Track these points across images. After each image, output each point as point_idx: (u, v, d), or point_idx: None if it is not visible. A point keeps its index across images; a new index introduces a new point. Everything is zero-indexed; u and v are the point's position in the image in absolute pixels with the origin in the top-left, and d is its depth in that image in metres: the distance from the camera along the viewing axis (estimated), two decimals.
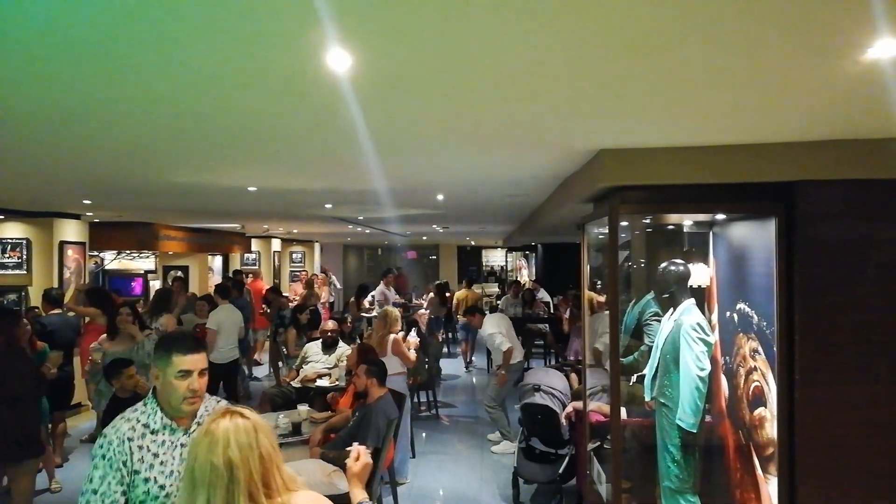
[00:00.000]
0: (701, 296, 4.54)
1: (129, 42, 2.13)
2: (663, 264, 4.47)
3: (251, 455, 1.74)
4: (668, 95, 2.74)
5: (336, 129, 3.34)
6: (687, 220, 4.77)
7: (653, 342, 4.57)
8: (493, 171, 5.11)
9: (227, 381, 7.91)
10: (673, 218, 4.77)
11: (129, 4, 1.84)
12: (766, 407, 3.90)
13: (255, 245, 16.59)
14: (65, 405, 6.75)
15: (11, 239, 8.45)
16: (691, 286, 4.45)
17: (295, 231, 15.65)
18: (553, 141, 3.80)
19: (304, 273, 17.50)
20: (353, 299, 12.14)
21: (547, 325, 11.54)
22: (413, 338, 7.41)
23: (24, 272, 8.46)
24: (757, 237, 4.01)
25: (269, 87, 2.63)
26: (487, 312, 8.95)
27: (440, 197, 7.09)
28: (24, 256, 8.46)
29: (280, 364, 9.89)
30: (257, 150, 4.11)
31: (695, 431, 4.10)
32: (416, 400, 8.35)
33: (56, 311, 7.19)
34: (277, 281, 17.41)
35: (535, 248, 19.87)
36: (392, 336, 6.53)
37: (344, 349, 7.29)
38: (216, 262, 15.74)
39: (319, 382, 6.97)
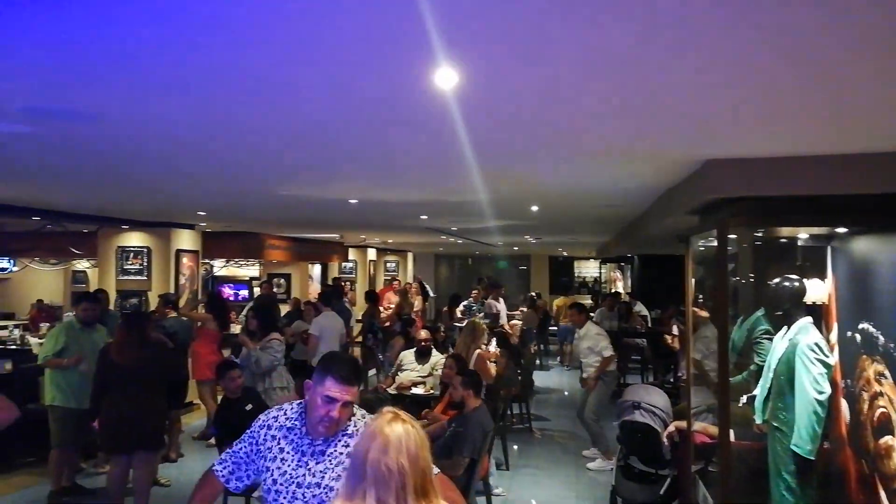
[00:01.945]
0: (818, 314, 4.26)
1: (255, 67, 2.27)
2: (776, 280, 4.23)
3: (417, 464, 1.79)
4: (783, 101, 2.61)
5: (440, 144, 3.41)
6: (802, 234, 4.50)
7: (763, 361, 4.33)
8: (591, 182, 5.03)
9: None
10: (785, 231, 4.52)
11: (256, 31, 1.95)
12: (893, 435, 3.61)
13: (352, 254, 17.09)
14: (179, 404, 7.18)
15: (134, 247, 9.13)
16: (807, 303, 4.19)
17: (390, 241, 16.01)
18: (656, 151, 3.70)
19: (395, 283, 17.83)
20: (445, 308, 12.25)
21: (644, 339, 11.18)
22: (493, 348, 7.39)
23: (145, 278, 9.10)
24: (884, 252, 3.72)
25: (380, 106, 2.72)
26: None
27: (534, 208, 7.05)
28: (145, 263, 9.11)
29: (376, 370, 10.12)
30: (363, 165, 4.25)
31: (812, 458, 3.85)
32: (509, 412, 8.29)
33: (173, 314, 7.70)
34: (373, 289, 17.84)
35: (631, 260, 19.32)
36: (477, 351, 6.53)
37: (438, 358, 7.36)
38: (315, 270, 16.33)
39: (414, 391, 7.06)
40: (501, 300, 11.95)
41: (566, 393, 11.16)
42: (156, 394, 5.17)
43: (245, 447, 2.44)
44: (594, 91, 2.52)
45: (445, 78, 2.28)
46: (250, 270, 15.37)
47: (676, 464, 5.19)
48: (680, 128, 3.12)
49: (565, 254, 22.43)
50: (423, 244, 17.38)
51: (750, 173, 3.68)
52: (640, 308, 12.52)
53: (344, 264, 17.01)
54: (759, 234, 4.62)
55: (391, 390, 7.26)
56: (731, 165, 3.71)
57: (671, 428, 5.21)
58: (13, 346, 9.47)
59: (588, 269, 24.32)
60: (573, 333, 13.87)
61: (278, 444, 2.37)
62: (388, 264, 20.33)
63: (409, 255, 21.23)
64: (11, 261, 13.41)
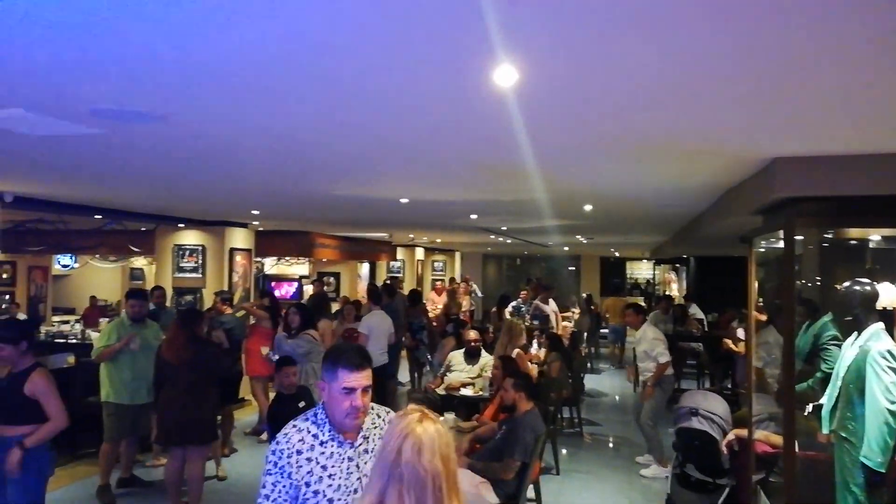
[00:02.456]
0: (890, 319, 4.04)
1: (321, 71, 2.27)
2: (846, 283, 4.03)
3: (449, 465, 1.74)
4: (855, 97, 2.47)
5: (497, 143, 3.37)
6: (873, 235, 4.29)
7: (830, 369, 4.14)
8: (648, 181, 4.91)
9: (377, 385, 8.19)
10: (854, 232, 4.31)
11: (326, 37, 1.95)
12: None
13: (400, 253, 17.19)
14: (232, 399, 7.32)
15: (189, 245, 9.37)
16: (879, 308, 3.98)
17: (438, 240, 16.03)
18: (718, 149, 3.57)
19: (439, 283, 17.82)
20: (494, 309, 12.18)
21: (700, 343, 10.87)
22: (535, 349, 7.28)
23: (200, 276, 9.33)
24: None
25: (439, 106, 2.71)
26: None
27: (588, 207, 6.92)
28: (200, 261, 9.33)
29: (423, 371, 10.13)
30: (418, 164, 4.24)
31: (882, 471, 3.65)
32: (559, 416, 8.18)
33: (229, 311, 7.86)
34: (420, 288, 17.92)
35: (686, 261, 18.85)
36: (516, 350, 6.45)
37: (487, 359, 7.30)
38: (364, 268, 16.48)
39: (463, 391, 7.02)
40: (552, 301, 11.79)
41: (617, 397, 10.95)
42: (206, 390, 5.26)
43: (284, 491, 2.23)
44: (659, 88, 2.44)
45: (505, 75, 2.23)
46: (300, 268, 15.61)
47: (736, 473, 5.02)
48: (746, 125, 3.00)
49: (617, 254, 22.05)
50: (471, 243, 17.35)
51: (819, 171, 3.53)
52: (695, 311, 12.18)
53: (392, 263, 17.12)
54: (828, 236, 4.41)
55: (440, 391, 7.24)
56: (799, 163, 3.55)
57: (731, 436, 5.04)
58: (74, 341, 9.85)
59: (640, 271, 23.86)
60: (624, 335, 13.59)
61: (318, 463, 2.25)
62: (436, 264, 20.36)
63: (457, 255, 21.22)
64: (74, 258, 13.94)
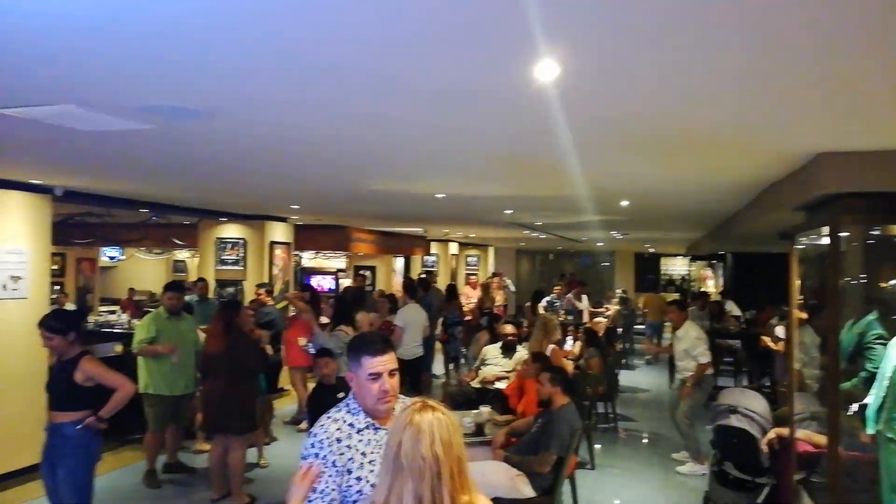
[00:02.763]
0: None
1: (359, 66, 2.32)
2: (893, 281, 3.95)
3: (451, 452, 1.75)
4: None
5: (536, 138, 3.38)
6: None
7: (876, 368, 4.05)
8: (687, 177, 4.86)
9: (412, 378, 8.25)
10: None
11: (363, 31, 2.00)
12: None
13: (434, 248, 17.26)
14: (272, 389, 7.47)
15: (231, 238, 9.57)
16: None
17: (472, 235, 16.07)
18: (760, 145, 3.53)
19: (473, 277, 17.84)
20: (528, 304, 12.16)
21: (738, 341, 10.70)
22: (570, 345, 7.25)
23: (241, 268, 9.53)
24: None
25: (480, 102, 2.74)
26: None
27: (624, 203, 6.88)
28: (241, 254, 9.53)
29: (455, 364, 10.18)
30: (455, 160, 4.27)
31: None
32: (593, 411, 8.15)
33: (270, 301, 8.02)
34: (454, 283, 17.97)
35: (723, 257, 18.53)
36: (550, 346, 6.43)
37: (522, 353, 7.32)
38: (398, 262, 16.61)
39: (498, 385, 7.05)
40: (584, 297, 11.73)
41: (652, 393, 10.86)
42: (244, 380, 5.38)
43: (332, 481, 2.23)
44: (702, 83, 2.44)
45: (546, 70, 2.25)
46: (337, 262, 15.81)
47: (776, 472, 4.95)
48: (790, 120, 2.96)
49: (652, 250, 21.77)
50: (504, 238, 17.33)
51: (865, 167, 3.46)
52: (732, 308, 12.00)
53: (426, 258, 17.21)
54: (875, 232, 4.32)
55: (475, 384, 7.29)
56: (844, 159, 3.49)
57: (771, 434, 4.97)
58: (120, 331, 10.17)
59: (675, 267, 23.53)
60: (661, 331, 13.42)
61: (357, 450, 2.27)
62: (470, 258, 20.39)
63: (490, 250, 21.22)
64: (120, 250, 14.34)
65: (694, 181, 5.06)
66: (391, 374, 2.29)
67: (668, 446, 7.41)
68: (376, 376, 2.26)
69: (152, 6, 1.84)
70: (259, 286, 8.47)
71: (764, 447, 4.98)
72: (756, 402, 5.33)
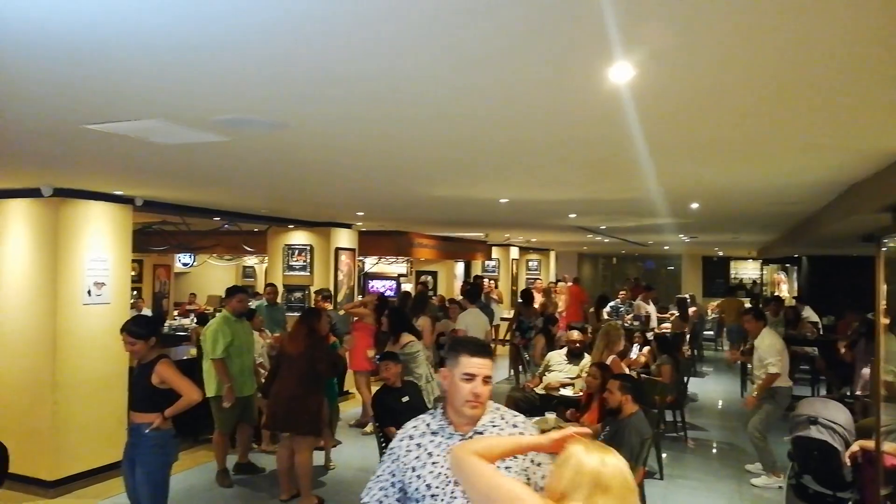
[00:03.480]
0: None
1: (425, 74, 2.34)
2: None
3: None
4: None
5: (606, 141, 3.34)
6: None
7: None
8: (762, 178, 4.69)
9: None
10: None
11: (430, 39, 2.01)
12: None
13: (495, 253, 17.23)
14: (340, 391, 7.62)
15: (298, 245, 9.81)
16: None
17: (533, 240, 15.95)
18: (844, 144, 3.38)
19: (538, 282, 17.70)
20: (592, 309, 11.98)
21: (815, 348, 10.23)
22: (636, 353, 7.06)
23: (308, 273, 9.76)
24: None
25: (551, 106, 2.72)
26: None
27: (694, 205, 6.69)
28: (308, 260, 9.75)
29: (520, 369, 10.11)
30: (522, 165, 4.26)
31: None
32: (662, 420, 7.94)
33: (330, 307, 8.17)
34: (515, 287, 17.87)
35: (797, 261, 17.77)
36: (612, 357, 6.29)
37: (588, 360, 7.20)
38: (458, 267, 16.65)
39: (563, 392, 6.97)
40: (652, 303, 11.47)
41: (722, 402, 10.50)
42: (312, 384, 5.51)
43: (388, 467, 2.35)
44: (783, 81, 2.35)
45: (621, 72, 2.22)
46: (398, 267, 15.99)
47: (860, 487, 4.70)
48: (878, 119, 2.82)
49: (721, 253, 21.09)
50: (566, 243, 17.14)
51: None
52: (809, 313, 11.48)
53: (487, 262, 17.19)
54: None
55: (539, 390, 7.22)
56: None
57: (855, 447, 4.72)
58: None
59: (746, 270, 22.70)
60: (743, 335, 13.00)
61: (425, 450, 2.31)
62: (531, 263, 20.25)
63: (552, 254, 21.00)
64: (193, 257, 14.91)
65: (769, 183, 4.88)
66: (485, 380, 2.28)
67: (741, 457, 7.15)
68: (470, 377, 2.26)
69: (229, 23, 1.90)
70: (317, 293, 8.64)
71: (847, 460, 4.74)
72: (838, 413, 5.08)
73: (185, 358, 7.47)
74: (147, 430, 4.11)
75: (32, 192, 5.77)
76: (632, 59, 2.12)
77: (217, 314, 6.82)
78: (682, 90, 2.50)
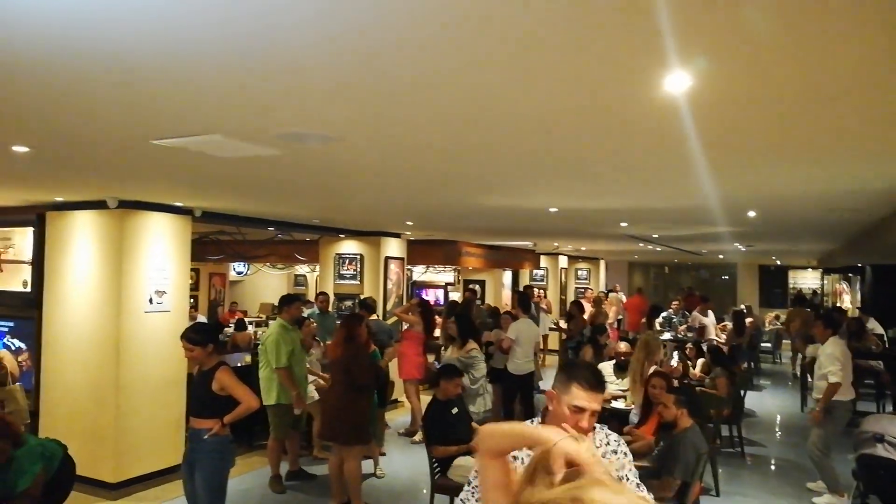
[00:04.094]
0: None
1: (482, 82, 2.36)
2: None
3: None
4: None
5: (661, 149, 3.30)
6: None
7: None
8: (824, 185, 4.54)
9: (523, 392, 8.20)
10: None
11: (486, 50, 2.03)
12: None
13: (543, 261, 17.10)
14: (384, 402, 7.65)
15: (349, 254, 9.96)
16: None
17: (583, 248, 15.78)
18: None
19: (589, 291, 17.49)
20: (644, 320, 11.77)
21: (881, 361, 9.80)
22: (675, 362, 6.87)
23: (358, 282, 9.89)
24: None
25: (605, 115, 2.71)
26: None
27: (752, 213, 6.52)
28: (358, 269, 9.88)
29: None
30: (573, 174, 4.23)
31: None
32: (718, 434, 7.72)
33: (373, 317, 8.22)
34: (563, 297, 17.69)
35: (860, 271, 17.08)
36: (652, 367, 6.14)
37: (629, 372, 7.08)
38: (506, 276, 16.58)
39: (614, 404, 6.86)
40: (711, 313, 11.19)
41: (781, 416, 10.15)
42: (358, 393, 5.44)
43: (473, 488, 2.27)
44: (853, 81, 2.27)
45: (677, 81, 2.19)
46: (446, 276, 16.03)
47: None
48: None
49: (779, 262, 20.43)
50: (616, 251, 16.88)
51: None
52: (874, 325, 11.02)
53: (535, 271, 17.07)
54: None
55: None
56: None
57: None
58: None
59: (805, 280, 21.92)
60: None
61: (522, 462, 2.18)
62: (580, 272, 20.00)
63: (601, 263, 20.70)
64: (247, 265, 15.29)
65: (832, 190, 4.72)
66: (594, 414, 2.17)
67: (801, 475, 6.89)
68: (579, 410, 2.14)
69: (294, 41, 1.96)
70: (359, 302, 8.72)
71: None
72: None
73: (238, 365, 7.65)
74: (206, 436, 4.22)
75: (99, 204, 6.03)
76: (689, 69, 2.09)
77: (271, 322, 6.97)
78: (741, 98, 2.45)
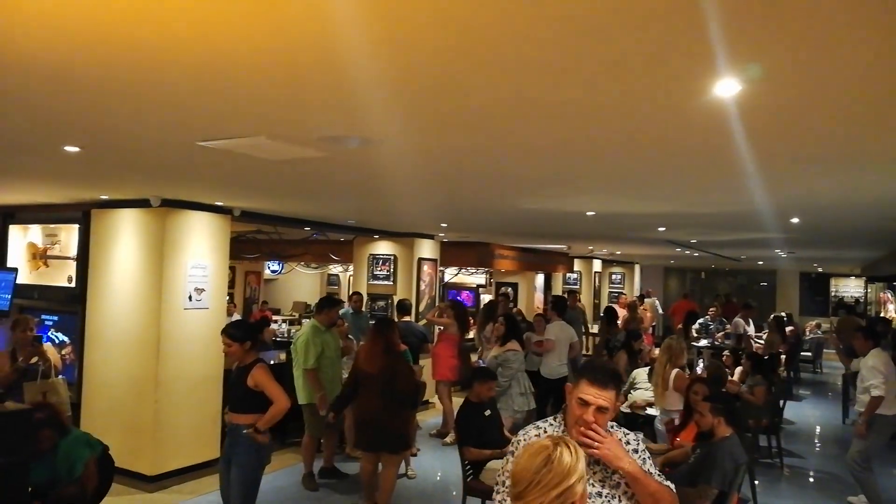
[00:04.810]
0: None
1: (530, 90, 2.35)
2: None
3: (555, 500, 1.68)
4: None
5: (707, 155, 3.25)
6: None
7: None
8: (871, 192, 4.42)
9: (556, 397, 8.13)
10: None
11: (541, 63, 2.02)
12: None
13: (577, 265, 16.96)
14: (415, 404, 7.65)
15: (382, 255, 10.01)
16: None
17: (618, 252, 15.61)
18: None
19: (623, 296, 17.29)
20: (680, 326, 11.58)
21: None
22: (701, 368, 6.73)
23: (391, 283, 9.93)
24: None
25: (652, 122, 2.68)
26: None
27: (795, 220, 6.37)
28: (391, 270, 9.93)
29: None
30: (615, 179, 4.19)
31: None
32: (756, 444, 7.56)
33: (406, 318, 8.24)
34: (597, 301, 17.54)
35: None
36: (675, 371, 6.02)
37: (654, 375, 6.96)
38: (538, 279, 16.48)
39: (650, 411, 6.77)
40: (751, 322, 10.96)
41: (821, 427, 9.90)
42: (399, 401, 5.30)
43: (507, 468, 2.34)
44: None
45: (726, 87, 2.15)
46: (477, 278, 16.01)
47: None
48: None
49: (820, 269, 19.93)
50: (652, 256, 16.68)
51: None
52: None
53: (568, 275, 16.94)
54: None
55: (623, 408, 7.04)
56: None
57: None
58: (281, 339, 10.93)
59: (848, 288, 21.33)
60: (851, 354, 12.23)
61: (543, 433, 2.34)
62: (614, 276, 19.80)
63: (636, 267, 20.47)
64: (281, 264, 15.48)
65: (883, 197, 4.58)
66: (600, 410, 2.25)
67: (842, 488, 6.71)
68: (584, 403, 2.25)
69: (339, 44, 1.98)
70: (399, 303, 8.74)
71: None
72: None
73: (272, 363, 7.74)
74: (244, 431, 4.28)
75: (142, 203, 6.16)
76: (739, 76, 2.06)
77: (304, 321, 7.03)
78: (791, 105, 2.40)
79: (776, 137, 2.88)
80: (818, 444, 8.92)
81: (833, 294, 21.24)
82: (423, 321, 9.21)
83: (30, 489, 3.83)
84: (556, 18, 1.72)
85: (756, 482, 6.78)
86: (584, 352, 13.06)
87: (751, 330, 10.73)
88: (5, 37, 1.97)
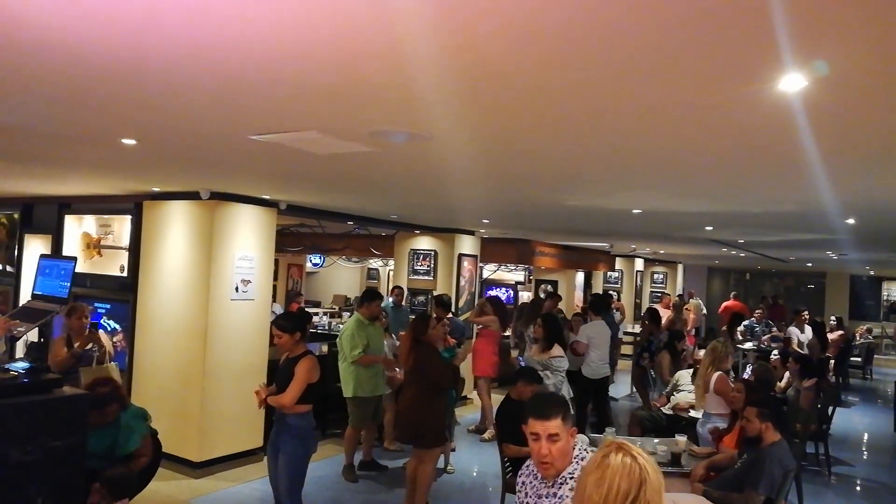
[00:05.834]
0: None
1: (583, 85, 2.32)
2: None
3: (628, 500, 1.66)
4: None
5: (766, 152, 3.17)
6: None
7: None
8: None
9: (597, 397, 8.05)
10: None
11: (599, 58, 1.99)
12: None
13: (618, 264, 16.74)
14: (456, 398, 7.68)
15: (423, 250, 10.05)
16: None
17: (661, 251, 15.34)
18: None
19: (666, 297, 16.99)
20: (724, 328, 11.34)
21: None
22: (749, 373, 6.54)
23: (431, 278, 9.96)
24: None
25: (711, 118, 2.63)
26: None
27: (851, 221, 6.17)
28: (431, 265, 9.96)
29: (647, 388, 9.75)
30: (667, 176, 4.12)
31: None
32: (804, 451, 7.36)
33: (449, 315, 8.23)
34: (638, 301, 17.28)
35: None
36: (717, 373, 5.87)
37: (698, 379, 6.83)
38: (578, 277, 16.31)
39: (693, 413, 6.66)
40: (808, 328, 10.61)
41: (871, 434, 9.59)
42: (434, 396, 5.29)
43: (516, 496, 2.60)
44: None
45: (792, 83, 2.09)
46: (517, 275, 15.93)
47: None
48: None
49: (872, 272, 19.26)
50: (696, 255, 16.33)
51: None
52: None
53: (609, 274, 16.73)
54: None
55: (666, 410, 6.94)
56: None
57: None
58: (322, 331, 11.07)
59: None
60: None
61: (525, 489, 2.53)
62: (656, 275, 19.46)
63: (679, 267, 20.07)
64: (322, 258, 15.67)
65: None
66: (550, 438, 2.35)
67: (891, 497, 6.50)
68: (535, 436, 2.37)
69: (392, 39, 1.98)
70: (438, 298, 8.73)
71: None
72: None
73: (316, 354, 7.82)
74: (289, 420, 4.37)
75: (192, 195, 6.30)
76: (805, 72, 1.99)
77: (345, 314, 7.11)
78: (857, 102, 2.32)
79: (842, 134, 2.79)
80: (866, 453, 8.64)
81: (885, 298, 20.51)
82: (464, 316, 9.21)
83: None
84: (616, 16, 1.70)
85: (802, 489, 6.62)
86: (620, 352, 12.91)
87: (805, 337, 10.33)
88: (70, 33, 2.03)
